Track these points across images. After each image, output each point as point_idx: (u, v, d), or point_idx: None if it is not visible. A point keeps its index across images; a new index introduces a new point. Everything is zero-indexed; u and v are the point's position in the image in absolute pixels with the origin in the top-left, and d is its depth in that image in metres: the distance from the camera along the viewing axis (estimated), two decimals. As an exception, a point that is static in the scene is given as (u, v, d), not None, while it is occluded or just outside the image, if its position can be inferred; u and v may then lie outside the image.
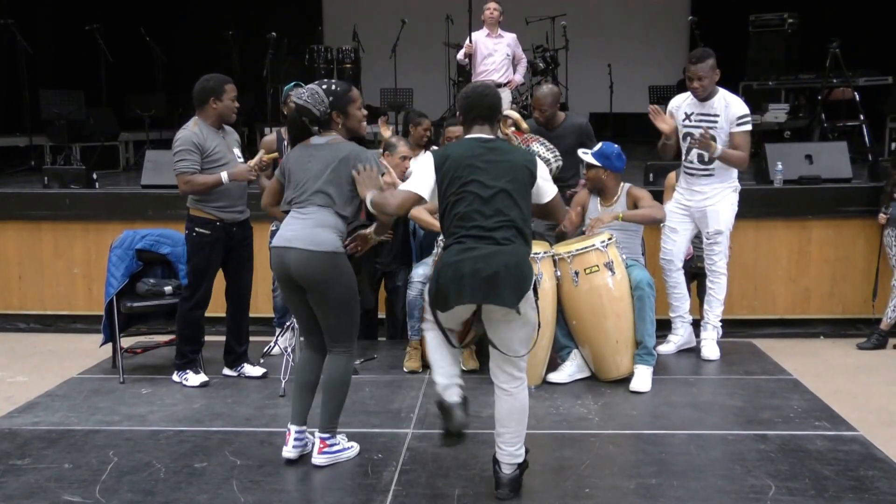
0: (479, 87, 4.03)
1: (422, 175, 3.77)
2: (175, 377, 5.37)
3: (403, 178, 5.80)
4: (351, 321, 4.04)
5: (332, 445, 4.06)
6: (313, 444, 4.09)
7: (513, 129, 5.68)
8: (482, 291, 3.50)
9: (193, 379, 5.31)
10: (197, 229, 5.14)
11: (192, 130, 5.06)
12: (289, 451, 4.08)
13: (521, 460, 3.76)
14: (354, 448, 4.18)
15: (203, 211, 5.12)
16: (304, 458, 4.11)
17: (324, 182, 3.95)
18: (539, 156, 5.49)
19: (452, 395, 3.70)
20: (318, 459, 4.03)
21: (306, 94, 4.06)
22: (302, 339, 4.38)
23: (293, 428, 4.10)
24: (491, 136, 3.80)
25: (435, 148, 5.69)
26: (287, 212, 4.07)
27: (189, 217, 5.19)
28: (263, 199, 4.35)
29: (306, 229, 3.92)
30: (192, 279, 5.23)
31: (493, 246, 3.55)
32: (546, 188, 3.82)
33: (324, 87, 4.07)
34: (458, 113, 4.00)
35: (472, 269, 3.50)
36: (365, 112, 4.23)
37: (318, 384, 4.11)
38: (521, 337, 3.64)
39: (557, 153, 5.61)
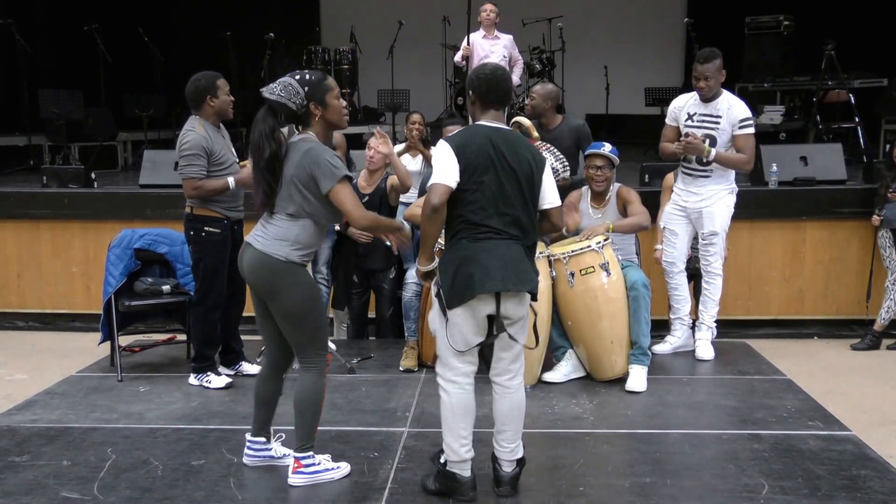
0: (498, 70, 3.76)
1: (445, 165, 3.57)
2: (193, 380, 5.30)
3: (376, 164, 5.75)
4: (312, 336, 3.81)
5: (307, 466, 3.86)
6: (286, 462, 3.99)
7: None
8: (511, 278, 3.54)
9: (217, 381, 5.25)
10: (207, 229, 5.07)
11: (200, 134, 4.98)
12: (244, 459, 4.09)
13: (520, 455, 3.79)
14: (341, 469, 3.96)
15: (210, 210, 5.07)
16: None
17: (288, 187, 3.66)
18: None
19: (467, 471, 3.73)
20: (292, 480, 3.85)
21: (279, 88, 3.64)
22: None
23: (246, 437, 4.09)
24: (505, 126, 3.73)
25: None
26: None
27: (193, 217, 5.10)
28: None
29: (268, 237, 3.71)
30: (204, 280, 5.14)
31: (506, 240, 3.58)
32: (547, 193, 3.74)
33: (297, 77, 3.68)
34: (469, 92, 3.74)
35: (494, 260, 3.52)
36: (345, 103, 3.84)
37: (273, 399, 4.03)
38: (526, 325, 3.77)
39: (566, 162, 5.67)
